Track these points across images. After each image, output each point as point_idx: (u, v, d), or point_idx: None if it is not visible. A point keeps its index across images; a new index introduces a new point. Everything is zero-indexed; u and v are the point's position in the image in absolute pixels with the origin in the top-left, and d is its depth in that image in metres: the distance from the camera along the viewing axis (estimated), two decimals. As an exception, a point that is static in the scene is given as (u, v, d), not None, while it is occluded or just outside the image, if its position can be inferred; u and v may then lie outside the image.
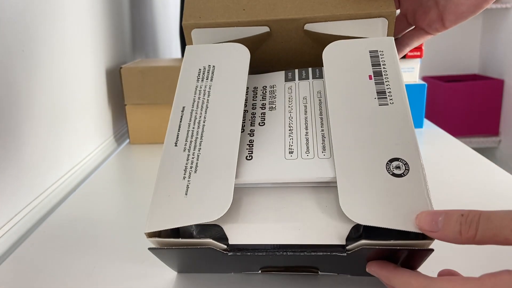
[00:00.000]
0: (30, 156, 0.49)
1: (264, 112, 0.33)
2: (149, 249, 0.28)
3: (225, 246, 0.28)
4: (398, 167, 0.28)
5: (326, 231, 0.28)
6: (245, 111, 0.34)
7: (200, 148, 0.30)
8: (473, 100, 2.29)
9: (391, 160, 0.28)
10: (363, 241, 0.26)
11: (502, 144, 2.44)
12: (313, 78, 0.35)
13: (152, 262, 0.38)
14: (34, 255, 0.40)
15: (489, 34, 2.44)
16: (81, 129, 0.62)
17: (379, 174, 0.27)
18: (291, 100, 0.33)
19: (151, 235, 0.28)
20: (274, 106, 0.33)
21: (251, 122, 0.33)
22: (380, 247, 0.26)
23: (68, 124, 0.58)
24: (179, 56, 1.34)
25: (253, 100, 0.34)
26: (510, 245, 0.23)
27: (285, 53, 0.39)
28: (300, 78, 0.36)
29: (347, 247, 0.27)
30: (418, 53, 0.73)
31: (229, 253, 0.28)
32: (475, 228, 0.23)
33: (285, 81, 0.35)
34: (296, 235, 0.28)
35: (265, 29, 0.36)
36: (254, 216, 0.29)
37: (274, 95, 0.34)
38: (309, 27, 0.35)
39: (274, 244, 0.28)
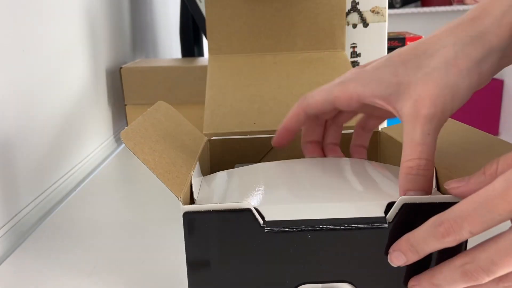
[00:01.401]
0: (30, 156, 0.49)
1: None
2: (185, 213, 0.27)
3: (262, 221, 0.28)
4: None
5: (364, 207, 0.29)
6: None
7: None
8: (472, 100, 2.29)
9: None
10: (403, 197, 0.27)
11: (502, 144, 2.43)
12: None
13: (153, 262, 0.38)
14: (34, 255, 0.40)
15: (489, 34, 2.44)
16: (81, 129, 0.62)
17: None
18: None
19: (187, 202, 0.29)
20: None
21: None
22: (422, 201, 0.27)
23: (68, 124, 0.58)
24: (179, 56, 1.34)
25: None
26: None
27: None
28: None
29: (387, 215, 0.27)
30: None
31: (266, 229, 0.28)
32: (496, 162, 0.25)
33: None
34: (334, 211, 0.29)
35: (271, 136, 0.42)
36: (291, 200, 0.30)
37: None
38: None
39: (312, 219, 0.28)
